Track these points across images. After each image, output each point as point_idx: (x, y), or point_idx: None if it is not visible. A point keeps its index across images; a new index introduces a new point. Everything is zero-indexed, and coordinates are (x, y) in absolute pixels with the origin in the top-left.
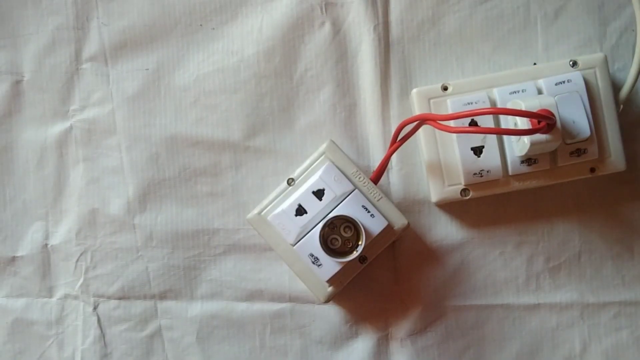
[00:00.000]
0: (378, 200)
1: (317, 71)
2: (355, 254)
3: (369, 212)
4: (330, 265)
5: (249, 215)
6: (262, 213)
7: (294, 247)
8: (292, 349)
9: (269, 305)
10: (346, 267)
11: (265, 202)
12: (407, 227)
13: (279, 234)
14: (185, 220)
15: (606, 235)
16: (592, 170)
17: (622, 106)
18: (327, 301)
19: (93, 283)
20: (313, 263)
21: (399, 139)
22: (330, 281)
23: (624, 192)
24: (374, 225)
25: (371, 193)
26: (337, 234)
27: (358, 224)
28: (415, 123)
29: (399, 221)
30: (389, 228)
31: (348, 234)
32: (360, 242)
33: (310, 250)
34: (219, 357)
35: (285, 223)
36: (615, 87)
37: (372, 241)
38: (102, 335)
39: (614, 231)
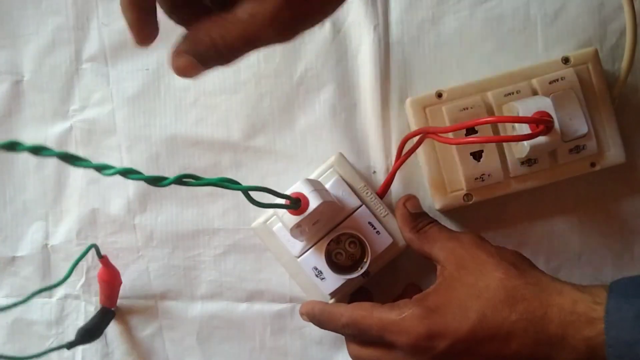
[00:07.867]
0: (384, 217)
1: (317, 71)
2: (360, 271)
3: (374, 228)
4: (333, 279)
5: (254, 224)
6: (268, 222)
7: (298, 260)
8: (292, 350)
9: (269, 306)
10: (348, 280)
11: (271, 211)
12: None
13: (284, 246)
14: (186, 220)
15: (606, 234)
16: (592, 165)
17: (617, 100)
18: None
19: (94, 283)
20: (316, 276)
21: (403, 153)
22: (333, 294)
23: (623, 188)
24: (379, 241)
25: (377, 209)
26: (342, 249)
27: (364, 241)
28: (418, 137)
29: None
30: (393, 245)
31: (353, 249)
32: (365, 260)
33: (314, 264)
34: (219, 358)
35: (290, 236)
36: (612, 83)
37: (376, 257)
38: (103, 335)
39: (614, 230)
